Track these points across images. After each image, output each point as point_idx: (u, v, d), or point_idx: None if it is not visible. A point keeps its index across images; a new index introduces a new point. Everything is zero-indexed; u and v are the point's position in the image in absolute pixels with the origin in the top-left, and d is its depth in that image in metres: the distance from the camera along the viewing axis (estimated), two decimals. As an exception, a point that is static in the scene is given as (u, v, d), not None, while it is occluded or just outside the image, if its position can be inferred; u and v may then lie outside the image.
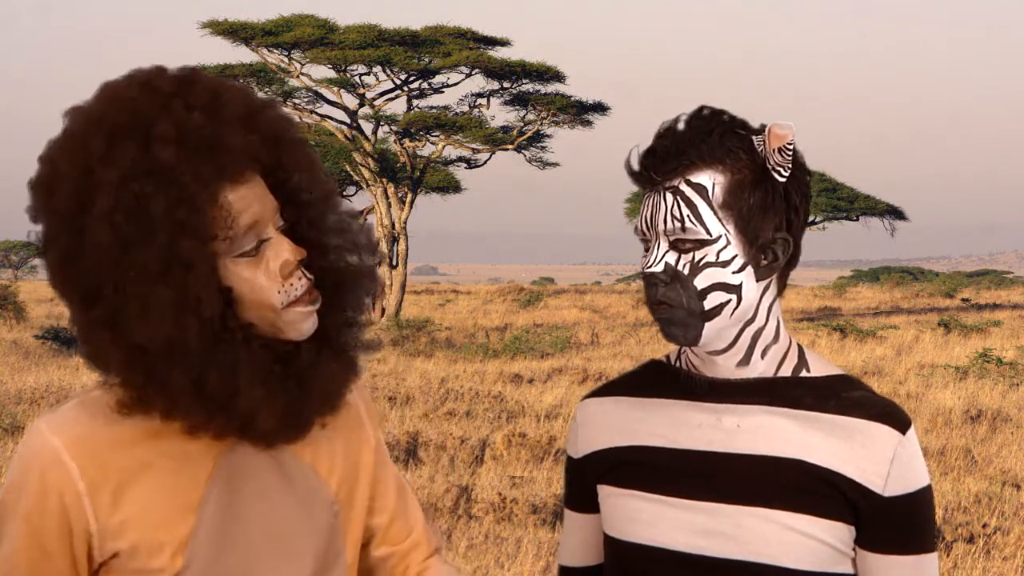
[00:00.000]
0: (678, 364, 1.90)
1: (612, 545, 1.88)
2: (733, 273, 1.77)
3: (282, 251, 1.59)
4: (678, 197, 1.76)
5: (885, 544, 1.78)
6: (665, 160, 1.77)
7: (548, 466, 9.37)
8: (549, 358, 18.65)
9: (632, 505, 1.84)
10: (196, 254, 1.52)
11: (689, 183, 1.76)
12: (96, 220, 1.50)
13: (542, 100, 37.47)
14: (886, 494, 1.77)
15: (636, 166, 1.80)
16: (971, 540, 7.42)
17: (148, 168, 1.50)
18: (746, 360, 1.82)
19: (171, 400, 1.55)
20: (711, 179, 1.76)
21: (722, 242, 1.76)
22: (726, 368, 1.82)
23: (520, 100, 37.87)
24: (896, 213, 45.86)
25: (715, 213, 1.75)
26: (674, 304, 1.76)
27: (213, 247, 1.54)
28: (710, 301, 1.76)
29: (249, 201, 1.57)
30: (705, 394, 1.83)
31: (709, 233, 1.75)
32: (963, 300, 40.54)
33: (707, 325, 1.77)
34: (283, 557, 1.65)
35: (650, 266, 1.77)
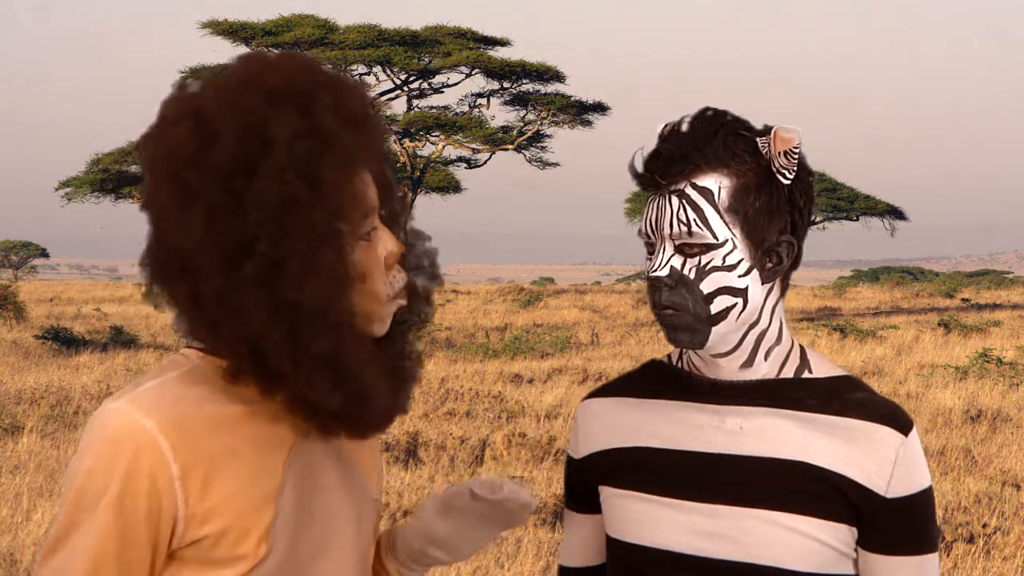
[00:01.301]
0: (679, 364, 1.89)
1: (614, 546, 1.88)
2: (739, 277, 1.76)
3: (388, 241, 1.61)
4: (684, 201, 1.75)
5: (887, 545, 1.78)
6: (670, 163, 1.76)
7: (548, 466, 9.37)
8: (549, 358, 18.65)
9: (634, 507, 1.84)
10: (354, 221, 1.55)
11: (695, 187, 1.75)
12: (264, 177, 1.48)
13: (542, 100, 37.47)
14: (888, 496, 1.77)
15: (640, 169, 1.79)
16: (971, 540, 7.42)
17: (313, 131, 1.51)
18: (749, 362, 1.81)
19: (302, 371, 1.52)
20: (717, 182, 1.75)
21: (728, 246, 1.75)
22: (729, 370, 1.82)
23: (520, 100, 37.87)
24: (896, 213, 45.86)
25: (721, 217, 1.75)
26: (680, 308, 1.75)
27: (357, 222, 1.56)
28: (716, 305, 1.75)
29: (369, 187, 1.60)
30: (707, 395, 1.83)
31: (716, 237, 1.74)
32: (963, 300, 40.54)
33: (713, 329, 1.76)
34: (342, 546, 1.67)
35: (655, 270, 1.76)
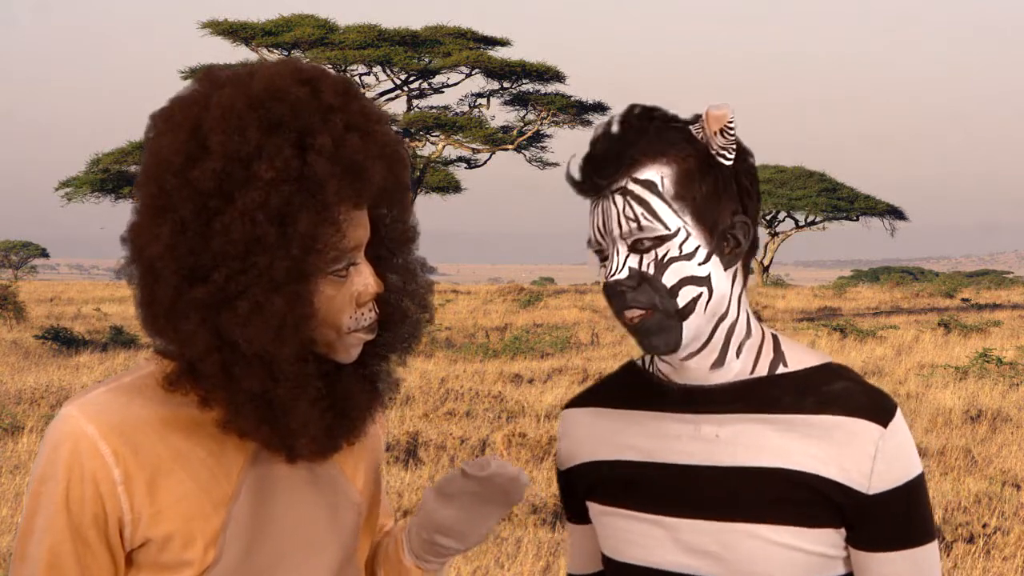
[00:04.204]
0: (651, 370, 1.84)
1: (606, 563, 1.86)
2: (699, 264, 1.71)
3: (366, 278, 1.61)
4: (628, 197, 1.71)
5: (877, 542, 1.73)
6: (606, 163, 1.72)
7: (548, 466, 9.36)
8: (549, 358, 18.65)
9: (619, 524, 1.81)
10: (316, 270, 1.55)
11: (636, 181, 1.71)
12: (237, 211, 1.50)
13: (542, 100, 37.47)
14: (871, 492, 1.71)
15: (578, 175, 1.74)
16: (971, 540, 7.42)
17: (300, 175, 1.51)
18: (720, 360, 1.76)
19: (231, 400, 1.55)
20: (658, 173, 1.71)
21: (682, 234, 1.71)
22: (699, 372, 1.77)
23: (520, 100, 37.88)
24: (896, 213, 45.89)
25: (669, 206, 1.70)
26: (646, 306, 1.70)
27: (328, 259, 1.56)
28: (682, 297, 1.70)
29: (356, 225, 1.59)
30: (681, 404, 1.78)
31: (667, 227, 1.70)
32: (963, 300, 40.52)
33: (684, 325, 1.71)
34: (308, 553, 1.66)
35: (613, 274, 1.71)
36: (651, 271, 1.71)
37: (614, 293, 1.72)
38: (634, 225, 1.70)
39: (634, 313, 1.71)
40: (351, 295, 1.60)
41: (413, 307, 1.72)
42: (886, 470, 1.71)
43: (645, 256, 1.71)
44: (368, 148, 1.57)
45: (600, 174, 1.72)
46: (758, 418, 1.75)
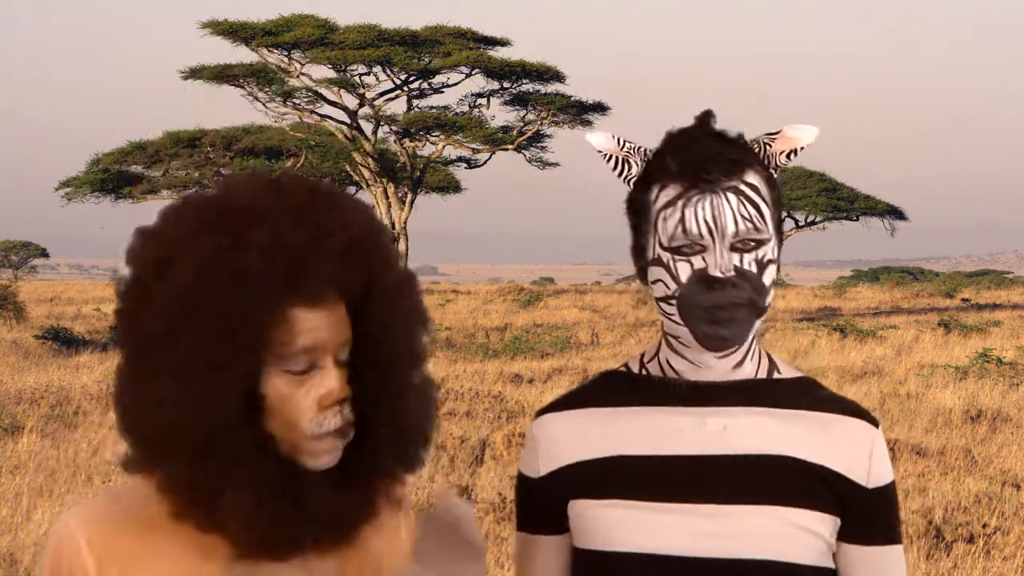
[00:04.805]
0: (643, 372, 1.88)
1: (597, 560, 1.83)
2: (776, 270, 1.80)
3: (329, 382, 1.57)
4: (741, 198, 1.76)
5: (867, 535, 1.82)
6: (720, 160, 1.76)
7: (548, 466, 9.36)
8: (549, 358, 18.66)
9: (622, 515, 1.80)
10: (233, 361, 1.53)
11: (747, 184, 1.77)
12: (154, 303, 1.55)
13: (542, 100, 37.47)
14: (869, 486, 1.82)
15: (683, 168, 1.76)
16: (971, 540, 7.42)
17: (226, 266, 1.52)
18: (742, 361, 1.83)
19: (166, 483, 1.58)
20: (756, 179, 1.78)
21: (772, 241, 1.78)
22: (723, 371, 1.82)
23: (520, 100, 37.88)
24: (896, 213, 45.90)
25: (769, 211, 1.78)
26: (744, 302, 1.76)
27: (262, 355, 1.55)
28: (768, 299, 1.79)
29: (315, 326, 1.56)
30: (686, 399, 1.82)
31: (768, 232, 1.77)
32: (963, 300, 40.54)
33: (756, 323, 1.79)
34: None
35: (719, 269, 1.74)
36: (753, 270, 1.76)
37: (723, 284, 1.75)
38: (750, 225, 1.76)
39: (725, 309, 1.75)
40: (311, 398, 1.57)
41: (407, 425, 1.65)
42: (879, 467, 1.83)
43: (746, 255, 1.76)
44: (318, 246, 1.55)
45: (718, 170, 1.75)
46: (762, 411, 1.82)
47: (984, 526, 7.67)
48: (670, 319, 1.80)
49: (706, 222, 1.75)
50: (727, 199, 1.76)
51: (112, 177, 39.56)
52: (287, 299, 1.54)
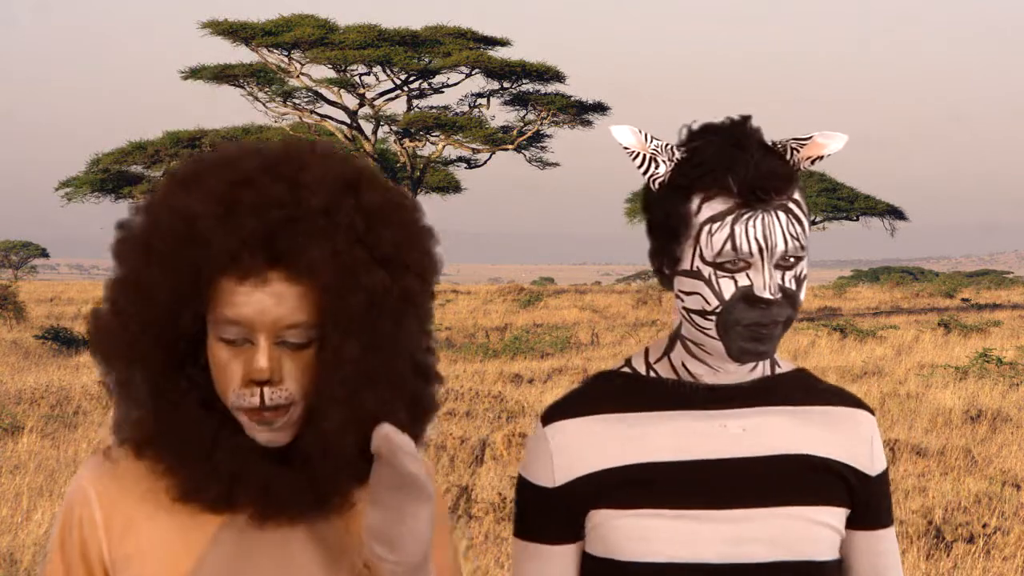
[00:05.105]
0: (651, 374, 1.84)
1: (621, 571, 1.78)
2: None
3: (255, 360, 1.56)
4: (790, 216, 1.73)
5: (871, 520, 1.87)
6: (778, 178, 1.71)
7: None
8: (549, 358, 18.66)
9: (648, 524, 1.76)
10: (162, 284, 1.56)
11: (793, 200, 1.75)
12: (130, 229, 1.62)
13: (542, 100, 37.46)
14: (873, 474, 1.85)
15: (741, 187, 1.70)
16: (971, 540, 7.42)
17: (171, 226, 1.56)
18: (756, 365, 1.82)
19: (128, 426, 1.63)
20: (799, 194, 1.76)
21: (806, 256, 1.76)
22: (741, 374, 1.81)
23: (520, 100, 37.87)
24: (896, 213, 45.89)
25: (808, 226, 1.76)
26: (785, 319, 1.74)
27: (195, 309, 1.57)
28: (799, 312, 1.79)
29: (241, 301, 1.55)
30: (702, 402, 1.80)
31: (806, 248, 1.75)
32: (963, 300, 40.54)
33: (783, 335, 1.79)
34: None
35: (769, 290, 1.71)
36: (793, 287, 1.74)
37: (768, 304, 1.72)
38: (797, 244, 1.73)
39: (774, 323, 1.73)
40: (243, 372, 1.56)
41: (367, 415, 1.57)
42: (879, 453, 1.88)
43: (787, 272, 1.74)
44: (254, 220, 1.54)
45: (773, 189, 1.71)
46: (777, 410, 1.83)
47: (984, 526, 7.67)
48: (703, 332, 1.75)
49: (757, 240, 1.71)
50: (777, 218, 1.72)
51: (112, 177, 39.56)
52: (214, 268, 1.54)
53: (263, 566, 1.63)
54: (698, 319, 1.75)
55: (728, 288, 1.72)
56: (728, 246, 1.71)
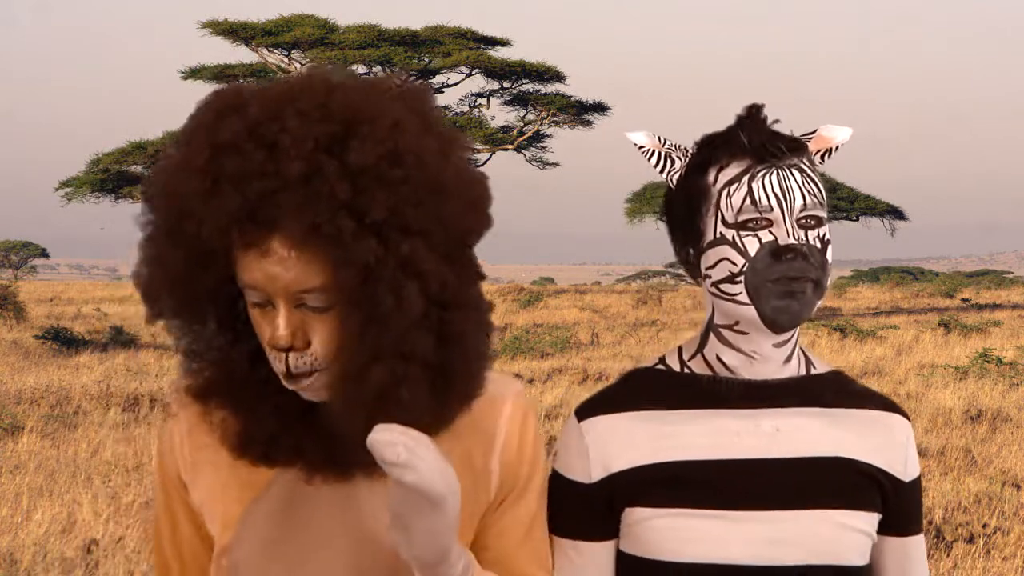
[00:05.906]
0: (685, 371, 1.83)
1: (655, 570, 1.77)
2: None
3: (276, 328, 1.53)
4: (805, 175, 1.77)
5: (902, 526, 1.85)
6: (784, 137, 1.77)
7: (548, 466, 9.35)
8: (549, 358, 18.64)
9: (683, 524, 1.76)
10: (192, 240, 1.53)
11: (809, 162, 1.78)
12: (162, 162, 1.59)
13: (542, 100, 37.47)
14: (906, 479, 1.84)
15: (752, 139, 1.76)
16: (971, 540, 7.42)
17: (189, 168, 1.52)
18: (791, 355, 1.82)
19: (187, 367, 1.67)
20: (811, 165, 1.79)
21: (826, 222, 1.78)
22: (775, 365, 1.80)
23: (520, 100, 37.87)
24: (896, 213, 45.86)
25: (824, 194, 1.78)
26: (813, 277, 1.73)
27: (218, 263, 1.55)
28: (828, 278, 1.77)
29: (251, 266, 1.51)
30: (738, 400, 1.79)
31: (825, 211, 1.77)
32: (963, 300, 40.54)
33: (816, 304, 1.76)
34: (322, 569, 1.64)
35: (792, 238, 1.73)
36: (817, 245, 1.75)
37: (794, 254, 1.73)
38: (815, 200, 1.75)
39: (797, 280, 1.73)
40: (268, 335, 1.55)
41: (371, 390, 1.50)
42: (912, 458, 1.86)
43: (809, 232, 1.75)
44: (268, 170, 1.47)
45: (785, 144, 1.75)
46: (811, 411, 1.81)
47: (984, 526, 7.67)
48: (732, 300, 1.76)
49: (775, 193, 1.74)
50: (792, 174, 1.75)
51: (112, 177, 39.54)
52: (215, 241, 1.50)
53: (315, 519, 1.64)
54: (727, 287, 1.76)
55: (752, 245, 1.74)
56: (748, 201, 1.74)
